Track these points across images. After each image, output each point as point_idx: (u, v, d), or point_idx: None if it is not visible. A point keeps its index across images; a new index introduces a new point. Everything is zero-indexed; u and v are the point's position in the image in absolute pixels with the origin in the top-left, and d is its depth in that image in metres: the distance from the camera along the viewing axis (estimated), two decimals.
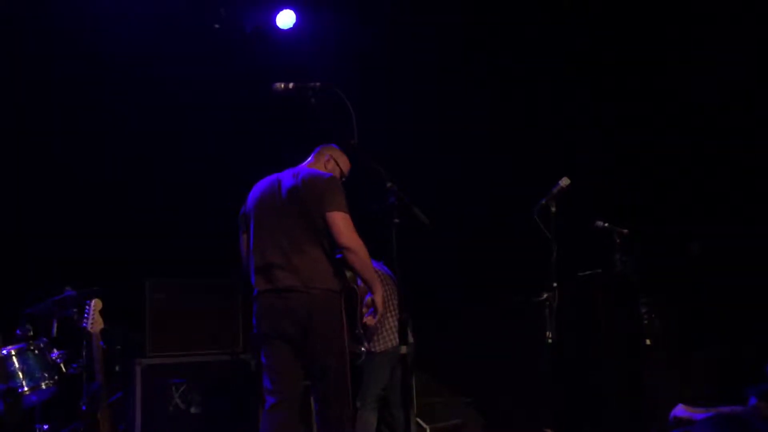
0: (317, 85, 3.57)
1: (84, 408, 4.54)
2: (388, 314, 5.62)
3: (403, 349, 3.57)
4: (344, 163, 4.30)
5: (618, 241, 5.15)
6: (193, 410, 5.61)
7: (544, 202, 4.66)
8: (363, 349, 5.61)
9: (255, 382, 5.72)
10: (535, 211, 4.64)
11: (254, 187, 4.20)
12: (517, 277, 5.92)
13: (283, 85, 3.62)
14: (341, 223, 3.89)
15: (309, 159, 4.30)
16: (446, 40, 6.38)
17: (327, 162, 4.26)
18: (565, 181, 4.69)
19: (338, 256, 4.01)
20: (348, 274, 4.10)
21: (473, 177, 6.46)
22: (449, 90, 6.54)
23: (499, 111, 6.38)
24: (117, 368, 5.13)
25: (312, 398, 4.35)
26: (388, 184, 3.39)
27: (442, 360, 5.96)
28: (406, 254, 3.39)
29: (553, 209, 4.63)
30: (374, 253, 5.78)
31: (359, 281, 4.17)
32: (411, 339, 5.28)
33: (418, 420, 5.59)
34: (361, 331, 4.33)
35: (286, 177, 4.09)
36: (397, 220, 3.39)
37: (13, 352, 4.64)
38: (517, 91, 6.36)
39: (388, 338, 5.60)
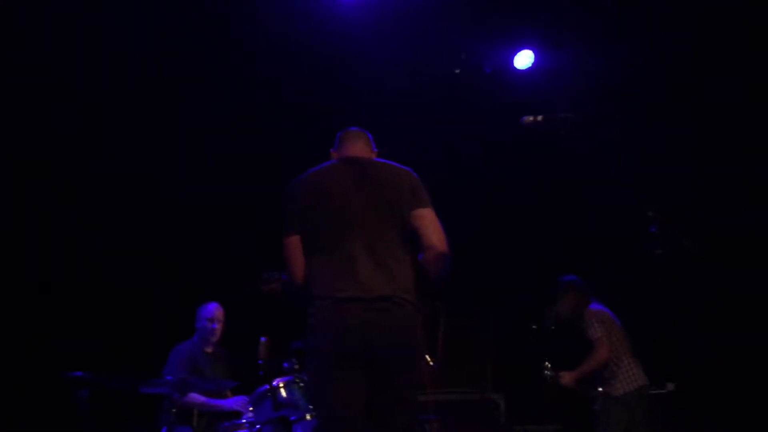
0: (568, 117, 3.54)
1: None
2: (623, 356, 5.41)
3: (669, 386, 3.41)
4: None
5: None
6: None
7: None
8: (600, 390, 5.43)
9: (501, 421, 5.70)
10: None
11: (304, 181, 3.46)
12: None
13: (532, 118, 3.61)
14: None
15: (353, 146, 3.57)
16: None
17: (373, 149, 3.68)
18: None
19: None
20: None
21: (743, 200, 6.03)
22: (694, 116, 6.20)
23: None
24: None
25: None
26: (650, 213, 3.27)
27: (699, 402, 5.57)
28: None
29: None
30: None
31: None
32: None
33: None
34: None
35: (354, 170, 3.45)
36: (659, 251, 3.25)
37: (281, 384, 4.94)
38: None
39: (626, 380, 5.38)
